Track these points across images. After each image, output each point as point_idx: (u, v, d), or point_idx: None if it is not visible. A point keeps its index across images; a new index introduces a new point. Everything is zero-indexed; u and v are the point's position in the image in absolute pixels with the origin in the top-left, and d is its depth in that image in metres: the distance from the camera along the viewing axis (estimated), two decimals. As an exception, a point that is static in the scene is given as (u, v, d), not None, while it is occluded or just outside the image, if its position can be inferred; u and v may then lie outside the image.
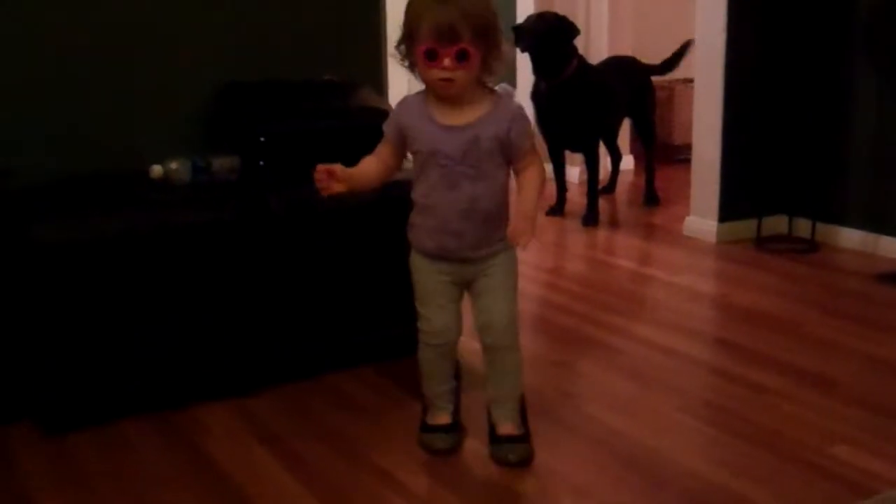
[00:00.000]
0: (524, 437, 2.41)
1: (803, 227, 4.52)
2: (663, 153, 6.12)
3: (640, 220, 5.18)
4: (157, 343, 2.70)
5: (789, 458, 2.43)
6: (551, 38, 4.75)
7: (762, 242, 4.50)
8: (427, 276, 2.33)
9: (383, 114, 3.23)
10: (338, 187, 2.23)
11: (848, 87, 4.36)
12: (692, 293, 3.85)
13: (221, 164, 2.92)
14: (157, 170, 2.87)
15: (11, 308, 2.63)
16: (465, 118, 2.20)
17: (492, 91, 2.25)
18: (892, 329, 3.35)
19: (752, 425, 2.62)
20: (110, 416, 2.66)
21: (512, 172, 2.28)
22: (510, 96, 2.35)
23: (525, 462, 2.36)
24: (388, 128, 2.30)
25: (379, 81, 3.55)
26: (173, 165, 2.86)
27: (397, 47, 2.19)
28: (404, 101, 2.30)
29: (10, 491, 2.31)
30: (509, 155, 2.24)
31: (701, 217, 4.65)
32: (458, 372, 2.52)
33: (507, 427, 2.41)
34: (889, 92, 4.19)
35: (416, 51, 2.13)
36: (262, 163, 3.02)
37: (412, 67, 2.19)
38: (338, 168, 2.22)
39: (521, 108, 2.26)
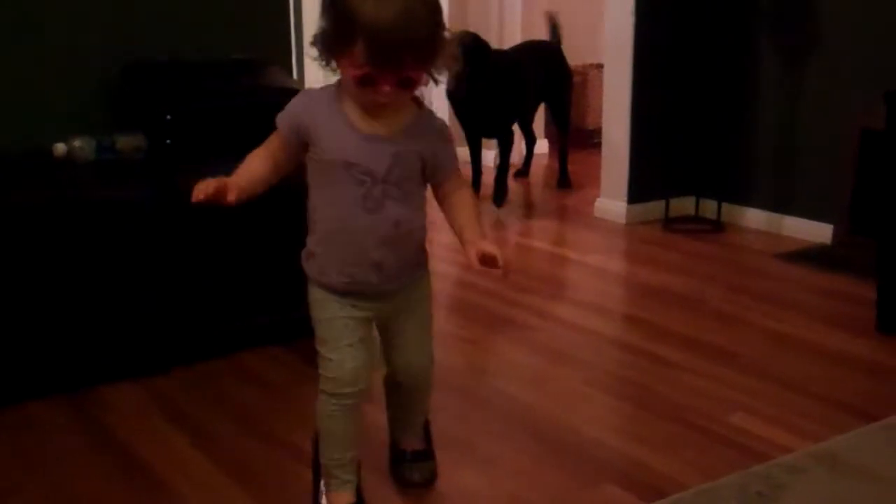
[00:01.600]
0: (429, 454, 2.23)
1: (710, 208, 4.64)
2: (577, 137, 6.19)
3: (552, 202, 5.24)
4: (63, 323, 2.66)
5: (691, 426, 2.50)
6: (472, 61, 4.62)
7: (670, 223, 4.60)
8: (333, 314, 1.91)
9: (292, 93, 3.23)
10: (229, 199, 1.81)
11: (753, 72, 4.47)
12: (602, 272, 3.92)
13: (127, 142, 2.88)
14: (60, 148, 2.82)
15: None
16: (389, 126, 1.81)
17: (415, 98, 1.87)
18: (791, 306, 3.46)
19: (657, 397, 2.69)
20: (15, 397, 2.61)
21: (435, 194, 1.96)
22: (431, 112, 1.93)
23: (430, 481, 2.19)
24: (283, 122, 1.87)
25: (287, 61, 3.53)
26: (77, 143, 2.81)
27: (314, 44, 1.76)
28: (308, 95, 1.88)
29: None
30: (433, 176, 1.90)
31: (611, 199, 4.73)
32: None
33: (411, 442, 2.21)
34: (791, 78, 4.31)
35: (343, 65, 1.73)
36: (168, 142, 2.98)
37: (331, 68, 1.78)
38: (221, 184, 1.80)
39: (444, 125, 1.93)
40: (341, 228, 1.85)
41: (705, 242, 4.33)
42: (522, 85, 5.10)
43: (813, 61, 4.22)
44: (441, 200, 1.95)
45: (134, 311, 2.76)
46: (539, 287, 3.75)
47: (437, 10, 1.73)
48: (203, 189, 1.76)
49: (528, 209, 5.09)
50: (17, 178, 2.74)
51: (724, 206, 4.59)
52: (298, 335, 2.88)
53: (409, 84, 1.73)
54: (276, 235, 2.95)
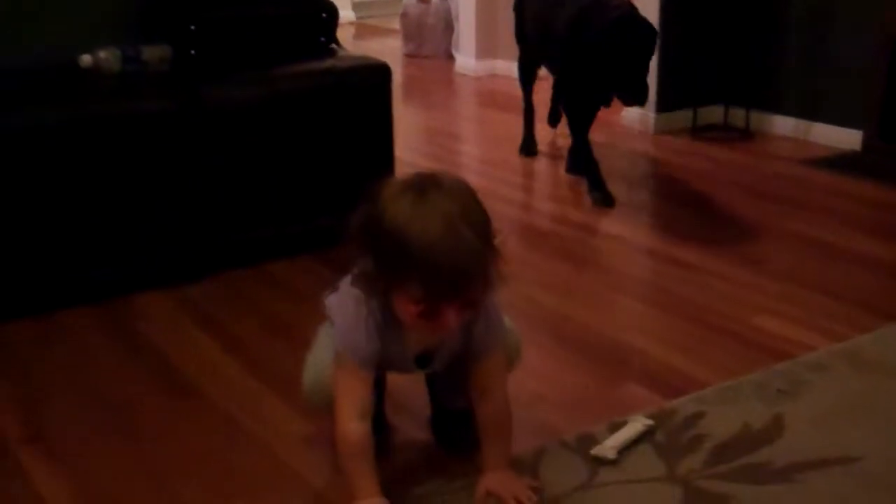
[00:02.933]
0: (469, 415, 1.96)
1: (738, 116, 4.59)
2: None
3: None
4: (96, 233, 2.70)
5: (714, 328, 2.52)
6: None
7: (698, 132, 4.56)
8: None
9: (316, 2, 3.22)
10: None
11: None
12: (628, 180, 3.91)
13: (153, 53, 2.89)
14: (86, 59, 2.83)
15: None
16: (438, 341, 1.74)
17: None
18: (820, 210, 3.44)
19: (681, 300, 2.71)
20: (47, 307, 2.67)
21: (469, 377, 1.80)
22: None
23: (473, 445, 1.88)
24: (364, 362, 1.69)
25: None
26: (102, 55, 2.82)
27: (355, 283, 1.64)
28: (358, 328, 1.67)
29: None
30: (471, 355, 1.78)
31: (638, 108, 4.68)
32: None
33: (454, 400, 1.99)
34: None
35: (398, 298, 1.59)
36: (193, 52, 2.99)
37: (379, 297, 1.63)
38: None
39: (495, 310, 1.79)
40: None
41: (733, 150, 4.30)
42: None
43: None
44: (474, 389, 1.78)
45: (162, 220, 2.80)
46: (565, 195, 3.75)
47: (486, 225, 1.60)
48: None
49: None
50: (44, 91, 2.76)
51: (753, 113, 4.53)
52: (328, 244, 2.93)
53: (473, 304, 1.61)
54: (303, 145, 2.98)
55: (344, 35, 9.54)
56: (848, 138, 4.19)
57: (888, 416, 2.07)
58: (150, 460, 1.97)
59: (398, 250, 1.51)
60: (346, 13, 9.26)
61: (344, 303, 1.72)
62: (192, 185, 2.82)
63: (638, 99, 3.26)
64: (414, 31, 6.96)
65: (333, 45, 3.24)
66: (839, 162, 4.03)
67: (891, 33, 3.84)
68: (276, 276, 2.92)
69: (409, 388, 2.13)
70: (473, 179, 3.76)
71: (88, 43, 2.88)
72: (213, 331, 2.56)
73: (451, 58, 6.59)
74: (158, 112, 2.74)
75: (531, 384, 2.24)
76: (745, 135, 4.48)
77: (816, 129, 4.34)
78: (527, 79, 4.28)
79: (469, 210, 1.56)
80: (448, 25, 6.71)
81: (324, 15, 3.17)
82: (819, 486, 1.81)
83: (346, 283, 1.73)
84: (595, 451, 1.92)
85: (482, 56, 6.16)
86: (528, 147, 4.29)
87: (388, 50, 6.95)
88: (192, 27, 2.95)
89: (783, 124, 4.48)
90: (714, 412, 2.08)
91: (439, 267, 1.49)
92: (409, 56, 6.98)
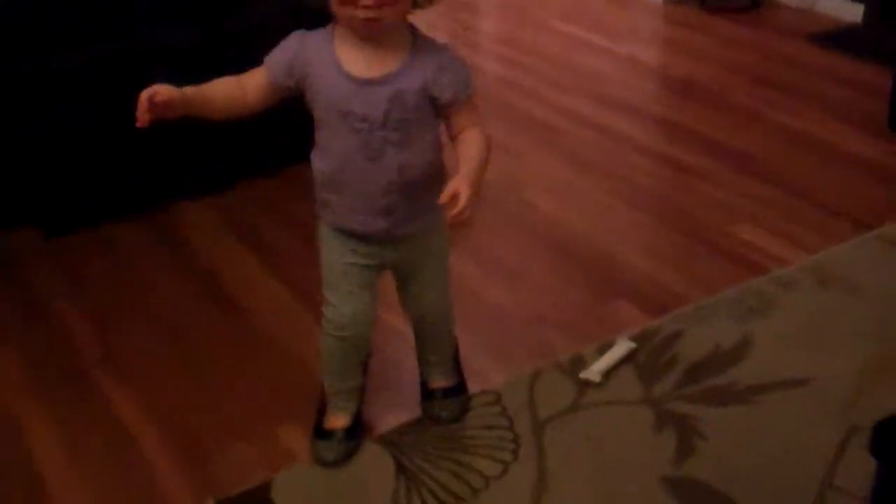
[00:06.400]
0: (458, 389, 2.17)
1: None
2: None
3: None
4: (140, 151, 2.95)
5: (699, 239, 2.80)
6: None
7: (706, 1, 4.66)
8: (338, 257, 1.89)
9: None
10: (169, 114, 1.70)
11: None
12: (634, 64, 4.08)
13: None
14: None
15: (11, 126, 2.86)
16: (385, 67, 1.71)
17: (411, 27, 1.76)
18: (812, 99, 3.64)
19: (672, 207, 2.98)
20: (102, 218, 2.96)
21: (448, 133, 1.81)
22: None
23: (457, 418, 2.12)
24: (275, 66, 1.77)
25: None
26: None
27: None
28: (300, 39, 1.77)
29: (18, 292, 2.65)
30: (443, 108, 1.77)
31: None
32: (366, 367, 2.11)
33: (440, 381, 2.15)
34: None
35: None
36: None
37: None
38: (167, 94, 1.68)
39: (447, 50, 1.78)
40: (343, 178, 1.79)
41: (739, 24, 4.42)
42: None
43: None
44: (452, 140, 1.79)
45: (195, 134, 3.02)
46: (572, 83, 3.93)
47: None
48: (141, 110, 1.67)
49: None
50: (80, 22, 2.96)
51: (762, -19, 4.63)
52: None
53: None
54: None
55: None
56: (852, 10, 4.30)
57: (843, 336, 2.36)
58: (207, 385, 2.29)
59: None
60: None
61: None
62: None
63: None
64: None
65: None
66: (841, 37, 4.16)
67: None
68: (306, 182, 3.16)
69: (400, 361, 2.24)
70: (486, 64, 3.97)
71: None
72: (254, 245, 2.82)
73: None
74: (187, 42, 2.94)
75: (534, 304, 2.54)
76: (754, 3, 4.58)
77: (821, 1, 4.44)
78: None
79: None
80: None
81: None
82: (776, 407, 2.13)
83: None
84: (583, 374, 2.24)
85: None
86: None
87: None
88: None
89: (791, -7, 4.58)
90: (690, 331, 2.39)
91: None
92: None
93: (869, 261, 2.66)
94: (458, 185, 1.61)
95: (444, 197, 1.61)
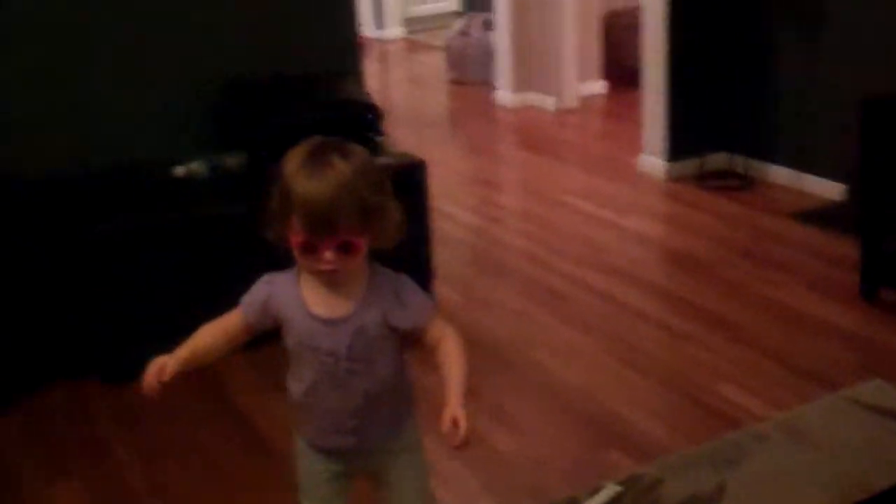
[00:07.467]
0: None
1: (743, 163, 5.15)
2: (633, 78, 6.65)
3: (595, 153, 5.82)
4: (191, 310, 3.35)
5: (686, 396, 3.14)
6: None
7: (704, 179, 5.12)
8: (311, 466, 1.98)
9: (363, 105, 3.84)
10: (170, 378, 1.83)
11: (770, 41, 4.96)
12: (637, 236, 4.51)
13: (231, 161, 3.54)
14: (180, 169, 3.50)
15: (74, 288, 3.30)
16: (346, 306, 1.81)
17: (368, 262, 1.84)
18: (794, 271, 4.02)
19: (664, 366, 3.34)
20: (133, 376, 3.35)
21: (423, 348, 1.88)
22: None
23: None
24: (250, 308, 1.88)
25: (357, 71, 4.13)
26: (194, 165, 3.48)
27: (265, 226, 1.77)
28: (270, 282, 1.88)
29: (85, 433, 3.06)
30: (409, 334, 1.86)
31: (651, 156, 5.27)
32: None
33: None
34: (807, 48, 4.75)
35: (289, 234, 1.74)
36: (264, 154, 3.63)
37: (287, 248, 1.77)
38: (169, 363, 1.84)
39: (401, 279, 1.86)
40: (312, 402, 1.89)
41: (732, 200, 4.87)
42: None
43: (825, 36, 4.66)
44: (429, 352, 1.87)
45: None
46: (581, 254, 4.35)
47: (378, 180, 1.76)
48: (147, 387, 1.82)
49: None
50: (149, 197, 3.45)
51: (754, 162, 5.09)
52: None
53: (350, 249, 1.73)
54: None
55: (396, 50, 10.24)
56: (835, 189, 4.74)
57: (802, 485, 2.65)
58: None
59: (287, 193, 1.70)
60: (397, 30, 10.05)
61: None
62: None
63: None
64: (457, 60, 7.65)
65: (378, 138, 3.85)
66: (824, 214, 4.58)
67: (860, 98, 4.33)
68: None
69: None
70: (476, 221, 4.41)
71: (178, 154, 3.56)
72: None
73: (492, 85, 7.20)
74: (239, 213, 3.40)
75: (534, 448, 2.88)
76: (746, 182, 5.04)
77: (808, 180, 4.89)
78: None
79: (362, 165, 1.73)
80: (487, 54, 7.32)
81: (370, 115, 3.78)
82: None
83: None
84: (574, 514, 2.55)
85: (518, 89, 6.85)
86: None
87: (434, 72, 7.82)
88: (262, 135, 3.58)
89: (781, 174, 5.03)
90: (672, 478, 2.69)
91: (313, 201, 1.67)
92: (454, 82, 7.70)
93: (833, 418, 2.97)
94: (455, 412, 1.72)
95: (444, 426, 1.71)
